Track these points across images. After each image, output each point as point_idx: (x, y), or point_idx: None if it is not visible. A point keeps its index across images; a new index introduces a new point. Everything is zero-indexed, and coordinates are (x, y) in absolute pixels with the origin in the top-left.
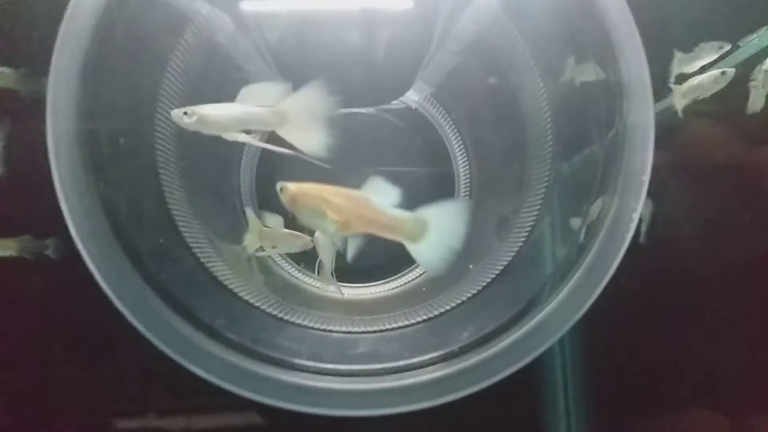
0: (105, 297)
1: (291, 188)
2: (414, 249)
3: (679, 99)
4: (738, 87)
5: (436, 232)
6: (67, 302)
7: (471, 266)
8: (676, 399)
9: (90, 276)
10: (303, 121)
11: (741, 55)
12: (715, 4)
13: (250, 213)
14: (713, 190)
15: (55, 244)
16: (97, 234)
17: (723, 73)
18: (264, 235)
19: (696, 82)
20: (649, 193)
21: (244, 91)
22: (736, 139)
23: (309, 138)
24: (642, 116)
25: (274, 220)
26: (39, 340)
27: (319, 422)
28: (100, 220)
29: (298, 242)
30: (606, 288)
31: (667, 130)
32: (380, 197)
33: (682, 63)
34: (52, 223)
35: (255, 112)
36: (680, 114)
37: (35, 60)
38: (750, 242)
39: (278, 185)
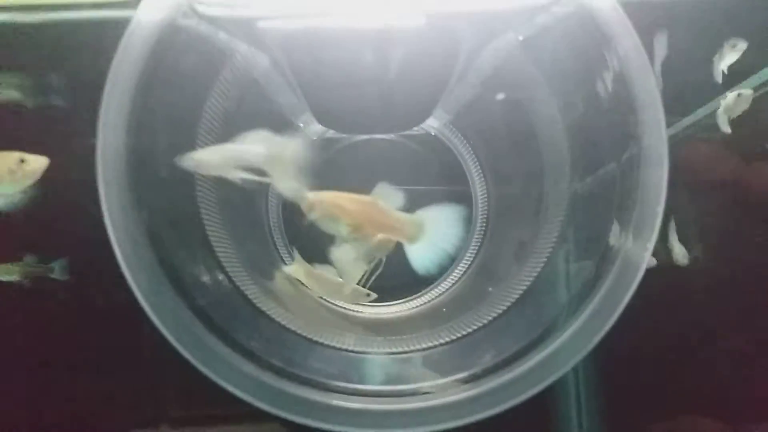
0: (127, 312)
1: (309, 196)
2: (410, 249)
3: (723, 118)
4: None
5: (432, 234)
6: (90, 318)
7: (490, 289)
8: (690, 421)
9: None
10: (289, 169)
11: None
12: (731, 26)
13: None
14: (709, 208)
15: (62, 266)
16: (141, 259)
17: (739, 95)
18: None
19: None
20: None
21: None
22: (730, 156)
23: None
24: (655, 152)
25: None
26: (63, 356)
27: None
28: (144, 248)
29: (354, 295)
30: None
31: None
32: (387, 201)
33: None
34: (58, 241)
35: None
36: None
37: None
38: (749, 257)
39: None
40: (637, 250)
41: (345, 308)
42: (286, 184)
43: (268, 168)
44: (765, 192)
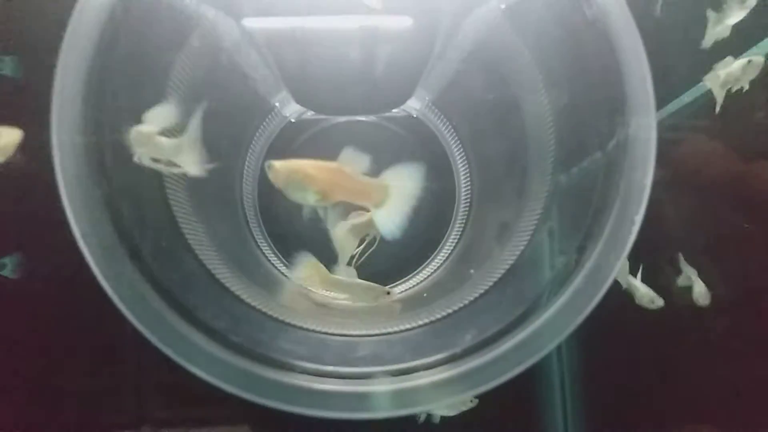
0: (106, 310)
1: (276, 165)
2: (377, 215)
3: (718, 90)
4: (735, 100)
5: (397, 197)
6: (66, 313)
7: (472, 271)
8: (671, 407)
9: (88, 288)
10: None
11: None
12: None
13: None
14: (711, 205)
15: (14, 262)
16: (100, 236)
17: (749, 62)
18: (329, 281)
19: (728, 71)
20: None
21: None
22: (734, 153)
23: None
24: (644, 123)
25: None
26: (39, 349)
27: (320, 425)
28: (103, 223)
29: (372, 293)
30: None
31: (662, 147)
32: (353, 166)
33: (715, 24)
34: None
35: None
36: (719, 107)
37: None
38: (749, 255)
39: (266, 164)
40: (620, 231)
41: (325, 295)
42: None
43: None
44: (763, 191)
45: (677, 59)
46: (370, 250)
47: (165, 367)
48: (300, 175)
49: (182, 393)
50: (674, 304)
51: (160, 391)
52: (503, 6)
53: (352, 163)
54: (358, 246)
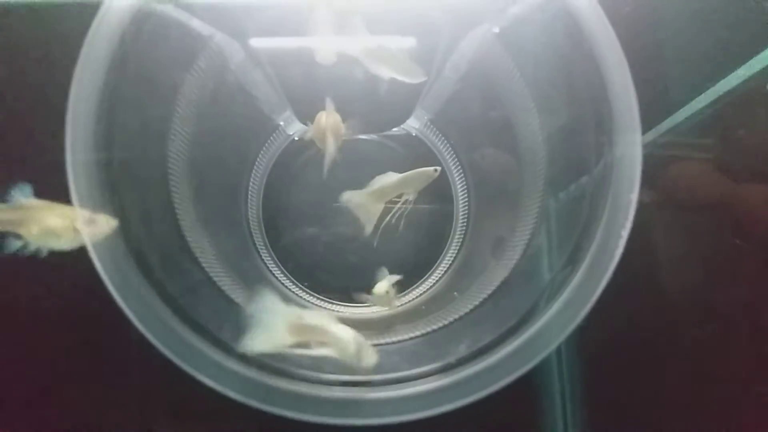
0: (113, 322)
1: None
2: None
3: None
4: (721, 124)
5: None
6: (74, 325)
7: (456, 294)
8: (670, 411)
9: (95, 301)
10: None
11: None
12: (708, 31)
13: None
14: (700, 228)
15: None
16: (111, 247)
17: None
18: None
19: None
20: (634, 232)
21: None
22: (722, 177)
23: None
24: (630, 141)
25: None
26: (44, 361)
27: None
28: (113, 235)
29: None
30: (600, 308)
31: (653, 168)
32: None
33: None
34: None
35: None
36: None
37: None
38: (737, 277)
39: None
40: (608, 244)
41: (326, 308)
42: None
43: None
44: (753, 214)
45: (671, 79)
46: (407, 210)
47: (172, 379)
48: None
49: (188, 406)
50: (671, 316)
51: (167, 404)
52: (496, 30)
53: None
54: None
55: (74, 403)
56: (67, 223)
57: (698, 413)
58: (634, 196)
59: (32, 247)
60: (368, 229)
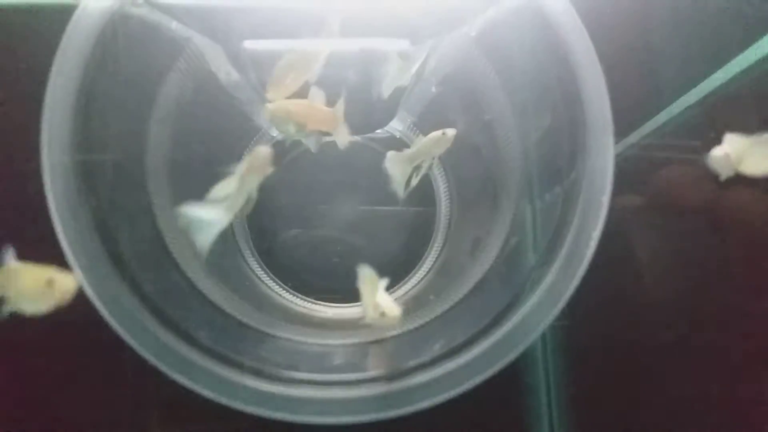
0: (98, 323)
1: (267, 106)
2: (335, 134)
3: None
4: (706, 126)
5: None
6: (64, 329)
7: (432, 297)
8: (655, 411)
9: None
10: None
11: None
12: (692, 32)
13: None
14: (685, 230)
15: None
16: (87, 248)
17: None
18: None
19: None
20: (619, 234)
21: None
22: (705, 180)
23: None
24: (602, 146)
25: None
26: (35, 367)
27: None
28: (90, 235)
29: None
30: (586, 308)
31: (637, 169)
32: (319, 100)
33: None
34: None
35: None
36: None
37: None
38: (722, 280)
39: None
40: (579, 246)
41: (307, 308)
42: None
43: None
44: (738, 217)
45: (655, 81)
46: (426, 171)
47: (163, 380)
48: (282, 111)
49: (179, 409)
50: (656, 317)
51: (158, 407)
52: (473, 33)
53: (318, 97)
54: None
55: (65, 405)
56: (39, 284)
57: (684, 413)
58: (606, 198)
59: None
60: (401, 191)
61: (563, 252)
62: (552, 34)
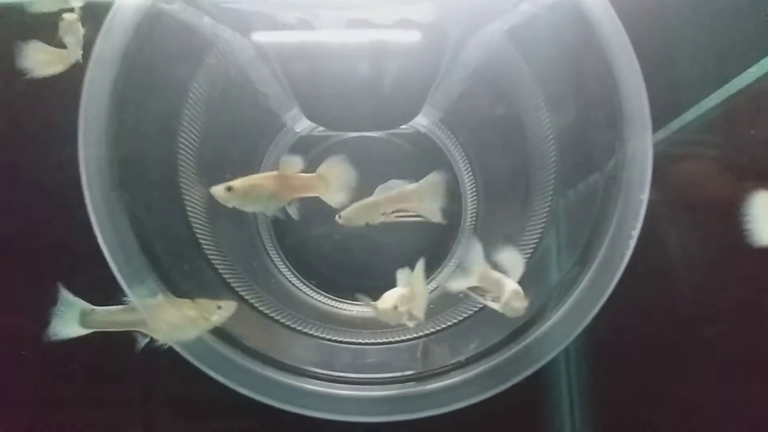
0: None
1: (227, 187)
2: (328, 199)
3: None
4: (731, 123)
5: (335, 180)
6: None
7: (462, 295)
8: (678, 411)
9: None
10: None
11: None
12: (718, 31)
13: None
14: (706, 226)
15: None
16: (124, 246)
17: None
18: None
19: None
20: (646, 227)
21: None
22: (729, 174)
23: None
24: (641, 140)
25: None
26: (45, 360)
27: (328, 428)
28: (126, 233)
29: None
30: (608, 306)
31: (663, 166)
32: (292, 168)
33: None
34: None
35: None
36: None
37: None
38: (745, 274)
39: (212, 190)
40: (618, 244)
41: (333, 306)
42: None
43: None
44: None
45: (681, 78)
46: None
47: (173, 379)
48: (252, 188)
49: (190, 406)
50: (680, 315)
51: (168, 405)
52: (506, 27)
53: (291, 166)
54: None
55: (74, 400)
56: (191, 316)
57: (708, 413)
58: (645, 197)
59: (159, 343)
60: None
61: (601, 251)
62: (588, 28)
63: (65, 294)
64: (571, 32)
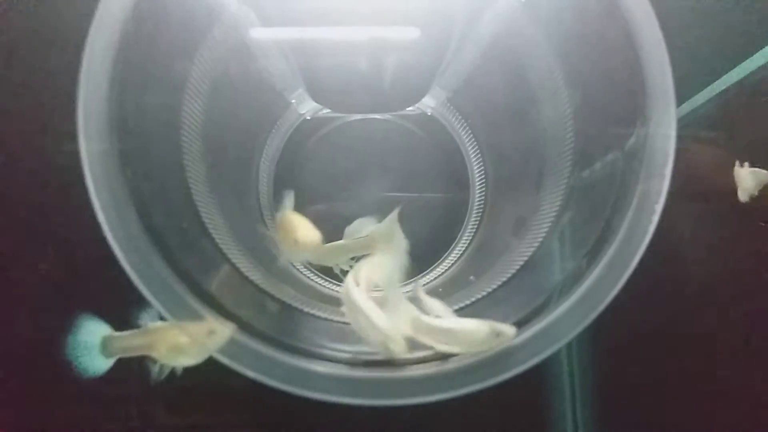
0: (111, 315)
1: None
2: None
3: None
4: (729, 110)
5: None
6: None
7: (472, 278)
8: (680, 405)
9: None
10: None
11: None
12: (715, 23)
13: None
14: (712, 215)
15: None
16: (125, 222)
17: None
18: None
19: None
20: None
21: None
22: (730, 164)
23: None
24: (664, 122)
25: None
26: (42, 353)
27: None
28: (128, 209)
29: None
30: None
31: None
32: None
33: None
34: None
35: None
36: None
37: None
38: (748, 265)
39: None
40: (636, 229)
41: (334, 291)
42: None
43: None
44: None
45: (684, 67)
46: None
47: (171, 372)
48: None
49: (187, 399)
50: (688, 307)
51: (165, 397)
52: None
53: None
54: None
55: (73, 397)
56: (192, 339)
57: (713, 410)
58: (666, 181)
59: (163, 367)
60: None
61: (619, 235)
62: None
63: (87, 320)
64: (592, 3)
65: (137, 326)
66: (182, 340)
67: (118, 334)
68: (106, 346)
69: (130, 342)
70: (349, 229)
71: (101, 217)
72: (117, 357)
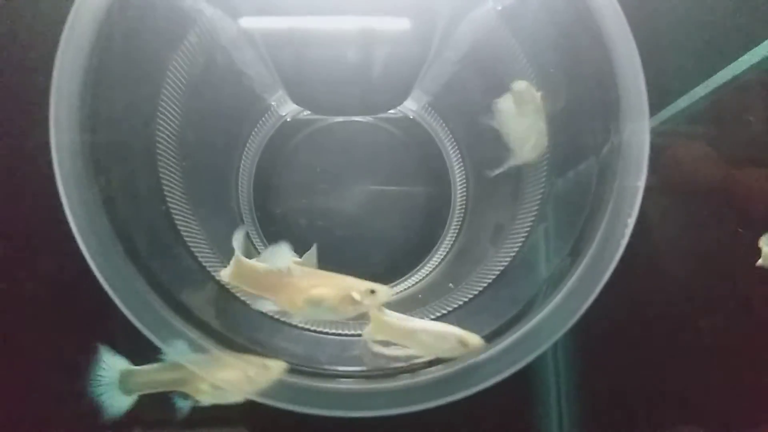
0: (100, 310)
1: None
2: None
3: None
4: (720, 108)
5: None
6: (62, 312)
7: (451, 285)
8: (665, 412)
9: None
10: None
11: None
12: (713, 18)
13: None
14: (696, 212)
15: None
16: (97, 232)
17: None
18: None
19: None
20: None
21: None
22: (719, 161)
23: None
24: (638, 127)
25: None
26: (32, 349)
27: (314, 423)
28: (100, 217)
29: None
30: (599, 299)
31: (653, 155)
32: None
33: None
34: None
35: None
36: None
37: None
38: (734, 261)
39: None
40: (613, 233)
41: None
42: None
43: None
44: (748, 197)
45: (672, 65)
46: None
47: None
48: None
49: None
50: (670, 305)
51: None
52: (499, 8)
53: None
54: None
55: (64, 395)
56: (238, 375)
57: (696, 406)
58: (641, 184)
59: (202, 404)
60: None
61: (596, 240)
62: (584, 9)
63: (105, 354)
64: (567, 13)
65: (158, 361)
66: (229, 376)
67: (137, 368)
68: (125, 382)
69: (152, 377)
70: (265, 254)
71: (74, 228)
72: (139, 393)
